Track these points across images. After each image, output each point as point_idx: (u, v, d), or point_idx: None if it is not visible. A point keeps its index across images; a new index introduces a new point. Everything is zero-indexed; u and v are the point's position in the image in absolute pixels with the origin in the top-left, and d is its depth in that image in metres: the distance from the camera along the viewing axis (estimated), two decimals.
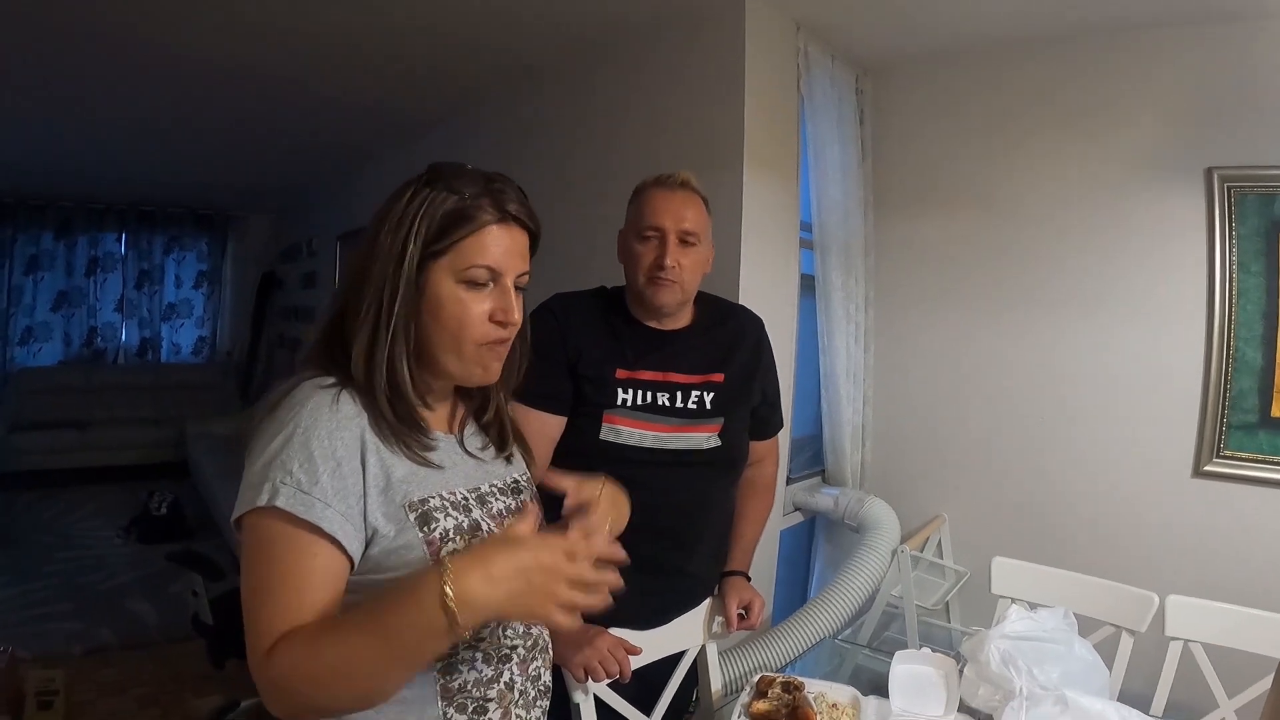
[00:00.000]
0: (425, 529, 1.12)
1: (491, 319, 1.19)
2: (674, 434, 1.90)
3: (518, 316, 1.22)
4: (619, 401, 1.88)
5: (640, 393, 1.89)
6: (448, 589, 0.93)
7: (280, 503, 1.02)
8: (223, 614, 3.67)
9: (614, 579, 1.05)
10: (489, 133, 4.50)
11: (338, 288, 1.19)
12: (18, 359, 8.04)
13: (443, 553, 1.11)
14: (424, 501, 1.13)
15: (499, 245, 1.19)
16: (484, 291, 1.18)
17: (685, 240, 1.88)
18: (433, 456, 1.18)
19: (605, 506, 1.29)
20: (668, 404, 1.91)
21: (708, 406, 1.94)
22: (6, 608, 4.43)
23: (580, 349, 1.89)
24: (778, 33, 3.10)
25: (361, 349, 1.13)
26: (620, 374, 1.89)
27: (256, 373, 8.82)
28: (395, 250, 1.14)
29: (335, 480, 1.06)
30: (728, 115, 2.96)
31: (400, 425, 1.15)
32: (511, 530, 1.02)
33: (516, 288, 1.23)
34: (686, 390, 1.92)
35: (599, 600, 1.03)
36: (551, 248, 3.94)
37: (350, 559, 1.07)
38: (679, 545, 1.94)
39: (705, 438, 1.95)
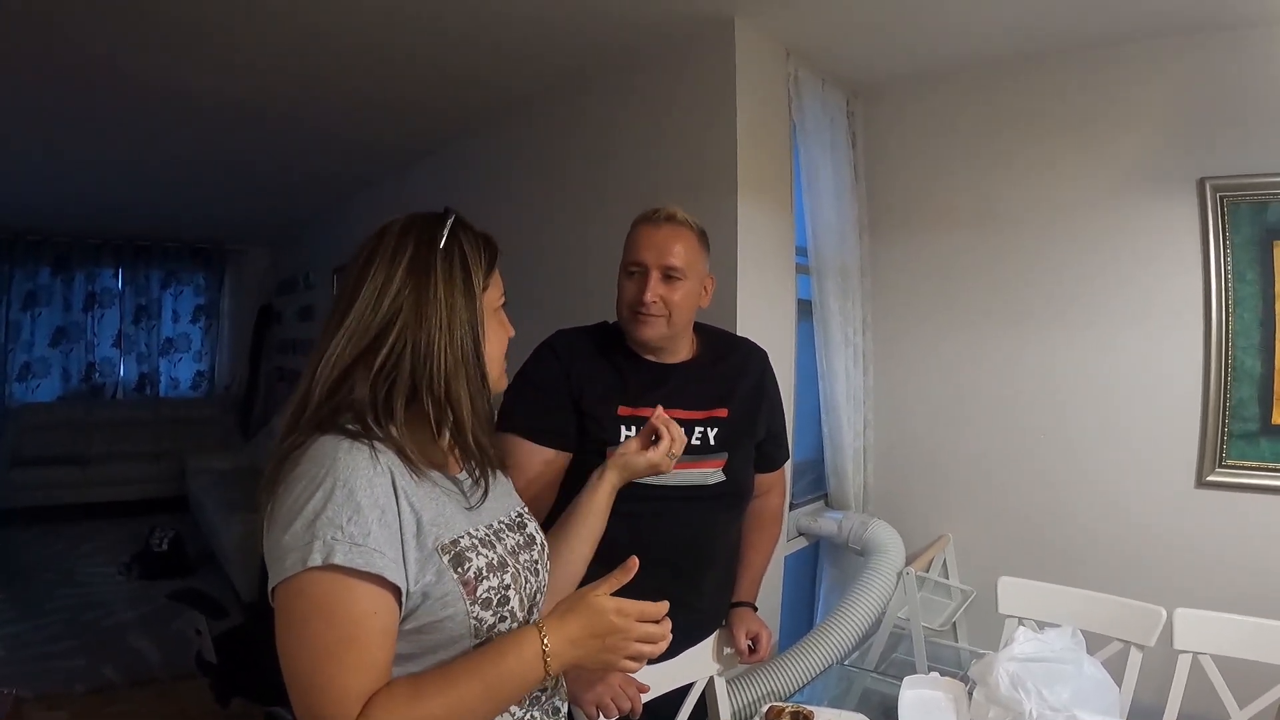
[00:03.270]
0: (459, 570, 1.13)
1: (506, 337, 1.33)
2: (678, 470, 1.84)
3: None
4: (622, 438, 1.85)
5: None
6: (545, 645, 1.12)
7: (338, 559, 1.01)
8: (226, 652, 3.65)
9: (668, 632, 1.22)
10: (480, 163, 4.48)
11: (361, 340, 1.15)
12: (16, 394, 8.01)
13: (478, 591, 1.14)
14: (455, 542, 1.15)
15: (499, 276, 1.30)
16: (501, 316, 1.31)
17: (670, 275, 1.87)
18: (471, 495, 1.23)
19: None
20: None
21: (711, 442, 1.92)
22: (8, 646, 4.40)
23: (583, 387, 1.88)
24: (768, 58, 3.11)
25: (465, 395, 1.18)
26: (622, 411, 1.87)
27: (256, 406, 8.81)
28: (464, 295, 1.19)
29: (383, 528, 1.06)
30: (720, 142, 2.97)
31: (489, 463, 1.25)
32: (594, 597, 1.17)
33: None
34: (690, 426, 1.89)
35: (660, 649, 1.21)
36: (543, 278, 3.97)
37: (401, 606, 1.07)
38: (686, 579, 1.92)
39: (710, 473, 1.93)
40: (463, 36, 3.18)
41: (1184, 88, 2.96)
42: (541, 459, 1.85)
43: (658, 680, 1.81)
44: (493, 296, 1.26)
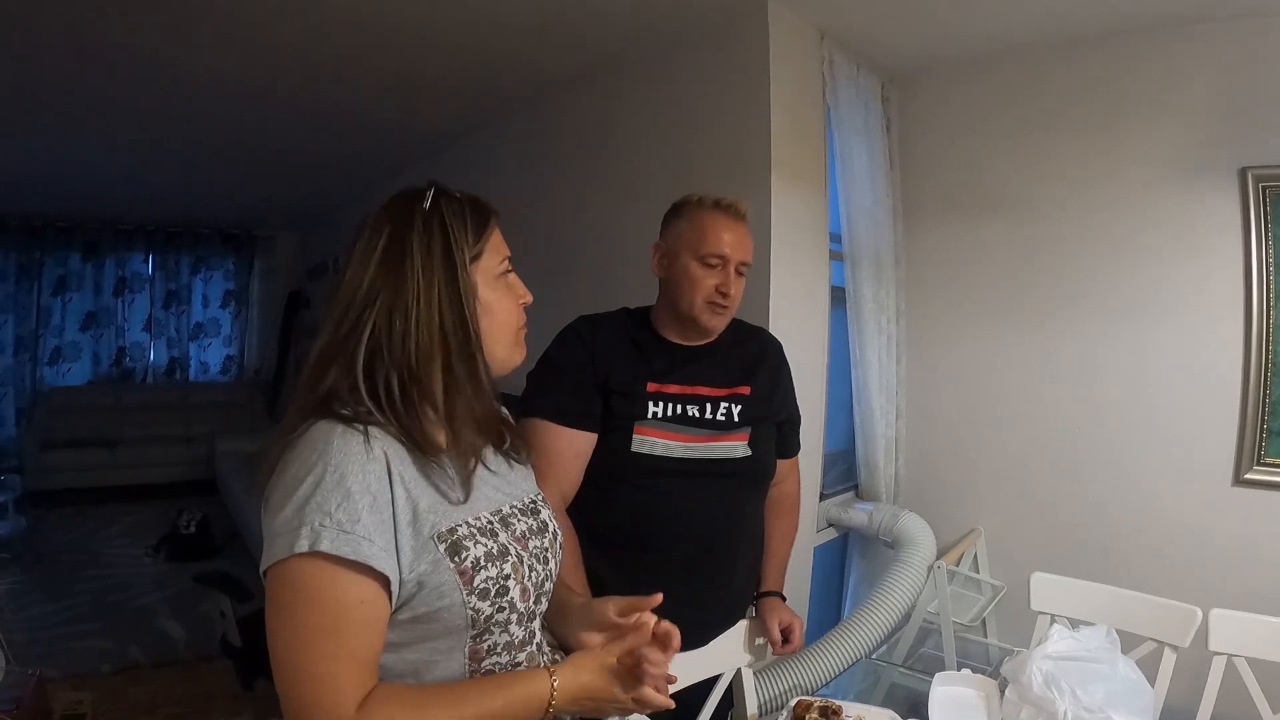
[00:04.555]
0: (456, 559, 1.10)
1: (518, 304, 1.27)
2: (705, 444, 1.92)
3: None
4: (649, 414, 1.89)
5: (670, 405, 1.90)
6: (554, 694, 1.14)
7: (324, 546, 0.99)
8: (251, 635, 3.66)
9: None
10: (513, 146, 4.48)
11: (342, 327, 1.14)
12: (47, 379, 8.10)
13: (475, 581, 1.11)
14: (452, 531, 1.11)
15: (501, 238, 1.25)
16: (509, 282, 1.25)
17: (739, 271, 1.94)
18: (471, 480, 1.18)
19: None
20: (697, 415, 1.92)
21: (736, 418, 1.95)
22: (36, 626, 4.44)
23: (609, 368, 1.90)
24: (802, 42, 3.08)
25: (437, 376, 1.14)
26: (650, 387, 1.91)
27: (285, 390, 8.85)
28: (443, 269, 1.15)
29: (373, 515, 1.04)
30: (754, 126, 2.95)
31: (467, 453, 1.18)
32: (606, 663, 1.20)
33: None
34: (715, 402, 1.94)
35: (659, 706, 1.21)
36: (576, 260, 3.95)
37: (391, 596, 1.05)
38: (718, 555, 1.95)
39: (736, 446, 1.95)
40: (494, 17, 3.16)
41: (1226, 75, 2.89)
42: (567, 442, 1.87)
43: (686, 671, 1.78)
44: (490, 263, 1.21)
